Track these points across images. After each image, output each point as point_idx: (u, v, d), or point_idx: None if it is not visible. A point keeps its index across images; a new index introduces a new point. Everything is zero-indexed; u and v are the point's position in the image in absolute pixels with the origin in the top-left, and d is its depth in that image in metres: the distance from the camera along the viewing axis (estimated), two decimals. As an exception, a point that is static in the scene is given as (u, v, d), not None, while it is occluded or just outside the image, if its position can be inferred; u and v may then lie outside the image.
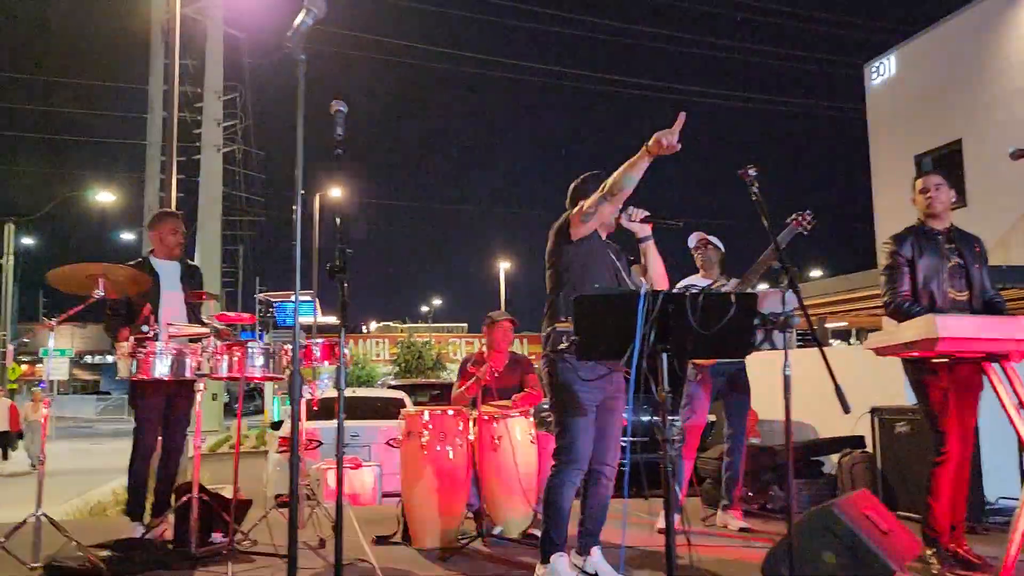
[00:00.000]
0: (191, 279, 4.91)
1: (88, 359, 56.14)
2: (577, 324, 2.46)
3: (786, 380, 2.63)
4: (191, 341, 4.25)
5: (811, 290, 13.41)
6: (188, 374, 4.17)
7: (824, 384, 2.72)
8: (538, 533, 4.57)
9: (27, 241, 33.05)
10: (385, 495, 6.60)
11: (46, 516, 3.80)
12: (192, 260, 5.19)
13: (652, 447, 6.23)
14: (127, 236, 34.64)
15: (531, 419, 4.84)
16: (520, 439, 4.68)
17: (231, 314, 4.48)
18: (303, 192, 2.62)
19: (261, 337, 4.45)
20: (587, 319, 2.45)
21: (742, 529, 4.96)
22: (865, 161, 17.79)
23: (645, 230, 3.62)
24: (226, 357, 4.24)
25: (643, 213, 3.59)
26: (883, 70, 17.72)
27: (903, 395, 5.35)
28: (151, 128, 34.30)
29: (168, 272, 4.80)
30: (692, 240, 5.32)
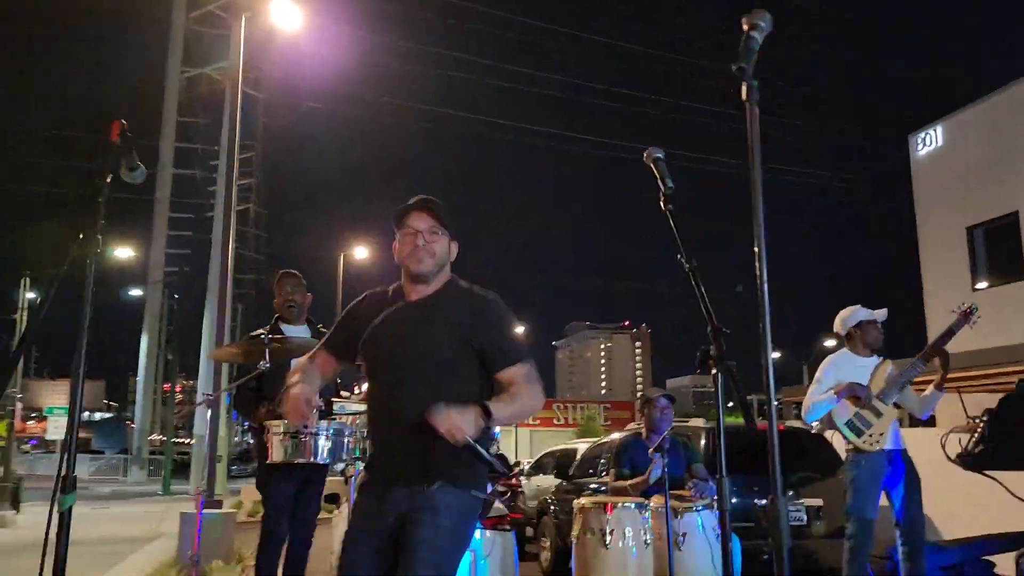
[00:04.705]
0: None
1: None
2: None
3: None
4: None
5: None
6: (346, 456, 3.60)
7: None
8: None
9: (31, 296, 32.30)
10: None
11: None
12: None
13: (755, 533, 5.54)
14: (135, 292, 34.11)
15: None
16: (707, 535, 4.08)
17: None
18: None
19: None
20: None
21: None
22: (912, 234, 17.41)
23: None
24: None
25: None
26: (929, 141, 17.50)
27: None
28: (160, 184, 33.96)
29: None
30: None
